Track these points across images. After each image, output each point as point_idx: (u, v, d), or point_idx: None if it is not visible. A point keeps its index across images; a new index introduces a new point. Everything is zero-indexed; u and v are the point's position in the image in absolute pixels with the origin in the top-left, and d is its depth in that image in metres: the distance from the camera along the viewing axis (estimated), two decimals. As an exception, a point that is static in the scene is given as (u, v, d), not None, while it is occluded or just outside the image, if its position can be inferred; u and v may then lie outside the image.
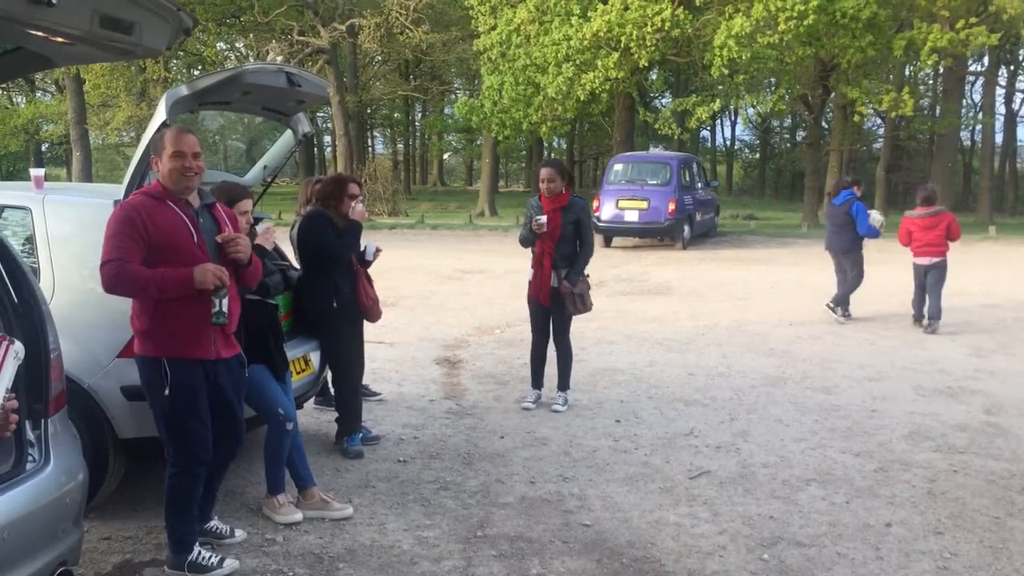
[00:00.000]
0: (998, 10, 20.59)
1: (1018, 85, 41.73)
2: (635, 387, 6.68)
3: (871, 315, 9.73)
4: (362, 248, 5.22)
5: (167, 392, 3.37)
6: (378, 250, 5.31)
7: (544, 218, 5.68)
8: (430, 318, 9.53)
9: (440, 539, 3.93)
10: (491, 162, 29.22)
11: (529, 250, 6.02)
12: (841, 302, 9.66)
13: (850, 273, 9.67)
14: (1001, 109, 39.88)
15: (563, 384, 6.08)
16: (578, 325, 9.11)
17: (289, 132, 5.11)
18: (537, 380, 6.09)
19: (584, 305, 5.88)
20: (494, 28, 21.67)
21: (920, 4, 21.44)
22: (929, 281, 9.13)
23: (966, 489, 4.55)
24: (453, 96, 40.76)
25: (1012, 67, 39.04)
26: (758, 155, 55.31)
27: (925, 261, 9.14)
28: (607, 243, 18.11)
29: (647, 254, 16.95)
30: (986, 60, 30.90)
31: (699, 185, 19.62)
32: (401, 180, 38.86)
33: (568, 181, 5.87)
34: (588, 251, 5.92)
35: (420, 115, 49.15)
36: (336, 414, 5.21)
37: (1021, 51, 34.66)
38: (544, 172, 5.84)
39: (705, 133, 53.44)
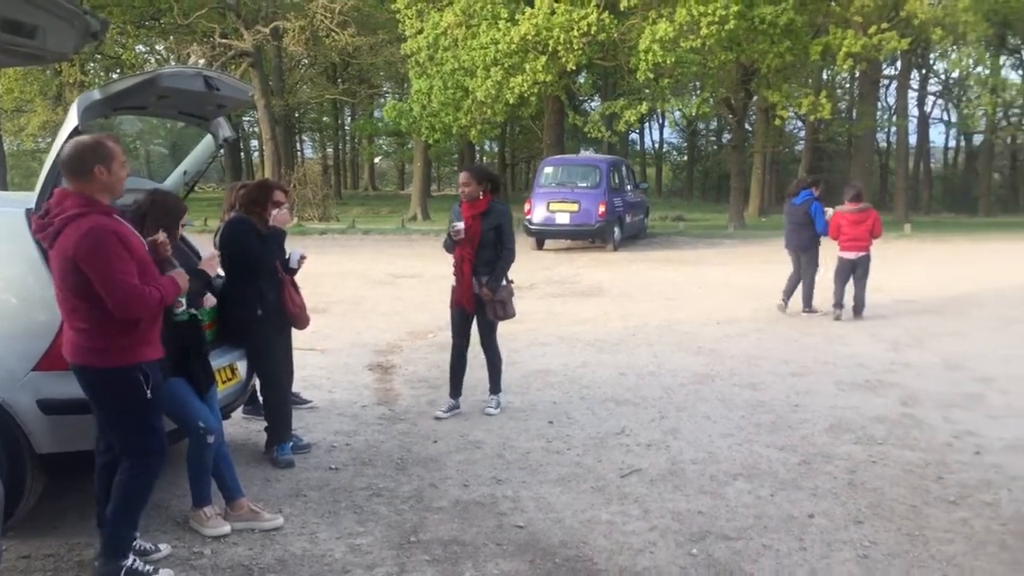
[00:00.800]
0: (909, 15, 21.40)
1: (930, 88, 43.40)
2: (568, 388, 6.74)
3: (796, 312, 10.00)
4: (287, 255, 5.15)
5: (149, 395, 3.42)
6: (303, 257, 5.25)
7: (461, 224, 5.66)
8: (362, 323, 9.45)
9: (373, 546, 3.90)
10: (422, 166, 29.14)
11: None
12: (809, 301, 9.98)
13: (806, 270, 9.99)
14: (914, 111, 41.43)
15: (494, 387, 6.09)
16: (510, 328, 9.15)
17: (209, 137, 5.00)
18: (455, 389, 6.02)
19: (505, 312, 5.87)
20: (421, 32, 21.64)
21: (835, 10, 22.18)
22: (856, 274, 9.55)
23: (884, 479, 4.71)
24: (382, 99, 40.55)
25: (924, 71, 40.54)
26: (686, 157, 56.35)
27: (852, 255, 9.52)
28: (539, 246, 18.23)
29: (578, 256, 17.10)
30: (899, 64, 32.03)
31: (628, 187, 19.90)
32: (332, 185, 38.48)
33: (488, 186, 5.80)
34: (509, 257, 5.87)
35: (349, 119, 48.72)
36: (265, 423, 5.12)
37: (932, 55, 36.02)
38: (461, 177, 5.85)
39: (634, 136, 54.16)
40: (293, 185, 25.79)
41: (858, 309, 9.65)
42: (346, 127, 50.07)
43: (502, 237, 5.81)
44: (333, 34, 26.59)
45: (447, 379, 6.13)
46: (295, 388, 5.86)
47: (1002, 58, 38.33)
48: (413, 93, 22.59)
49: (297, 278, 5.35)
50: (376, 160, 56.01)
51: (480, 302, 5.83)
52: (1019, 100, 36.43)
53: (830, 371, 7.22)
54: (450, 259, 5.98)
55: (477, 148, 39.73)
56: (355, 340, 8.53)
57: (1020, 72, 40.41)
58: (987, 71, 27.22)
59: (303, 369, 6.78)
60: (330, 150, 51.18)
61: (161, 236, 3.67)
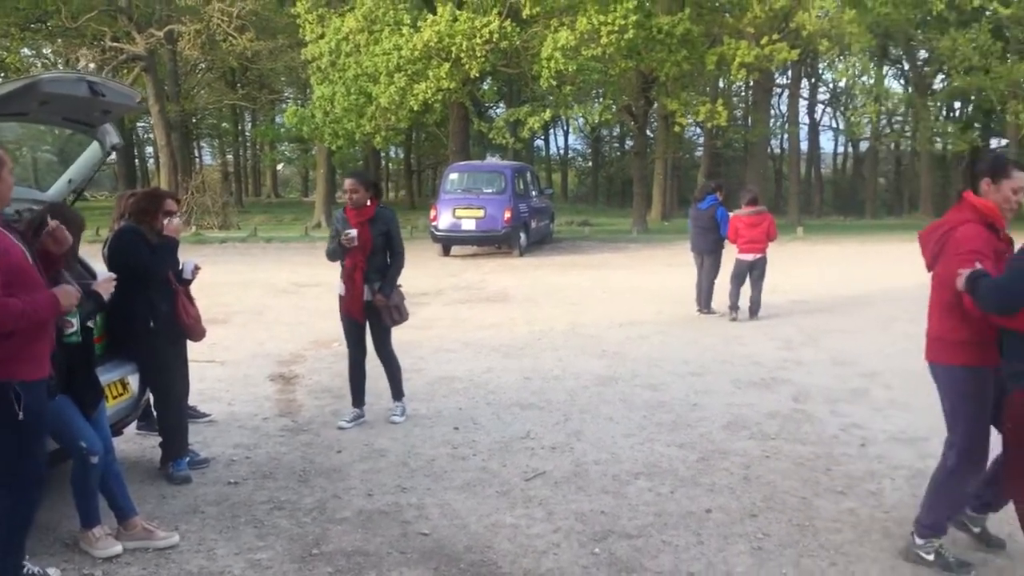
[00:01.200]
0: (798, 27, 22.29)
1: (819, 97, 45.32)
2: (473, 394, 6.75)
3: (694, 314, 10.28)
4: (180, 265, 5.01)
5: (22, 416, 3.19)
6: (197, 267, 5.12)
7: (354, 232, 5.61)
8: (264, 334, 9.25)
9: (274, 561, 3.82)
10: (326, 172, 28.74)
11: (338, 264, 5.91)
12: (707, 302, 10.27)
13: (708, 272, 10.30)
14: (805, 119, 43.17)
15: (397, 394, 6.05)
16: (415, 334, 9.14)
17: (96, 144, 4.82)
18: (358, 398, 5.97)
19: (401, 316, 5.89)
20: (322, 37, 21.34)
21: (728, 22, 22.94)
22: (753, 276, 9.90)
23: (777, 473, 4.89)
24: (284, 105, 39.76)
25: (813, 80, 42.34)
26: (590, 163, 57.24)
27: (750, 257, 9.87)
28: (445, 252, 18.20)
29: (485, 262, 17.16)
30: (790, 74, 33.34)
31: (534, 193, 20.08)
32: (232, 192, 37.53)
33: (374, 192, 5.82)
34: (400, 261, 5.88)
35: (250, 124, 47.61)
36: (160, 438, 4.96)
37: (820, 65, 37.61)
38: (347, 183, 5.78)
39: (539, 142, 54.69)
40: (191, 192, 25.05)
41: (754, 310, 10.00)
42: (247, 133, 48.88)
43: (391, 242, 5.83)
44: (230, 38, 25.94)
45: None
46: (192, 401, 5.71)
47: (885, 68, 40.36)
48: (315, 99, 22.24)
49: (195, 289, 5.22)
50: (278, 167, 54.90)
51: (372, 310, 5.79)
52: (901, 108, 38.43)
53: (727, 370, 7.45)
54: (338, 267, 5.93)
55: (382, 155, 39.41)
56: (256, 351, 8.34)
57: (902, 82, 42.64)
58: (871, 81, 28.56)
59: (201, 382, 6.59)
60: (230, 156, 49.92)
61: (52, 223, 3.50)
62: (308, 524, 4.22)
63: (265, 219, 29.16)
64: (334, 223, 5.87)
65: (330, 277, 13.52)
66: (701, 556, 3.84)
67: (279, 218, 30.61)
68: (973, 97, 36.75)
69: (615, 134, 53.64)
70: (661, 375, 7.30)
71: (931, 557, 3.68)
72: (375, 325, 5.88)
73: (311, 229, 25.18)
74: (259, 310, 10.86)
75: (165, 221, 4.81)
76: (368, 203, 5.74)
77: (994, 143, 42.56)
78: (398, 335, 8.71)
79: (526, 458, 5.20)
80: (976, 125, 39.71)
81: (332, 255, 5.88)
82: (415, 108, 20.72)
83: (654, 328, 9.54)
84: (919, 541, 3.73)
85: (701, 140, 41.76)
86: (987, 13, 25.97)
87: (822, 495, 4.55)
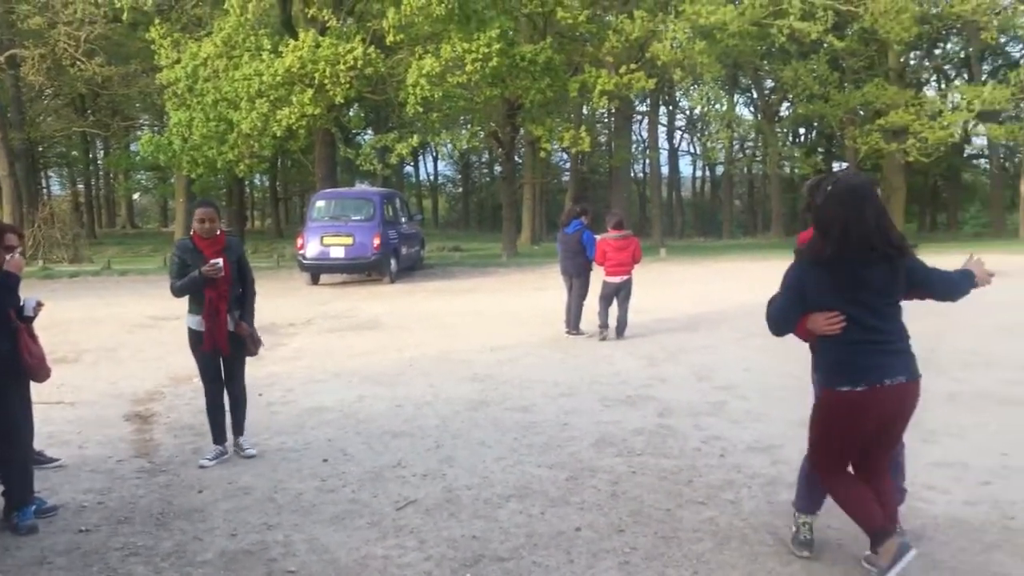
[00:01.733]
0: (653, 57, 23.26)
1: (677, 123, 47.30)
2: (343, 424, 6.63)
3: (563, 335, 10.47)
4: (21, 302, 4.72)
5: None
6: (39, 304, 4.82)
7: (220, 261, 5.48)
8: (118, 371, 8.79)
9: (129, 610, 3.62)
10: (185, 202, 27.73)
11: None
12: (576, 323, 10.44)
13: (577, 294, 10.50)
14: (665, 144, 44.94)
15: (242, 428, 5.87)
16: (284, 366, 8.92)
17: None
18: (219, 435, 5.79)
19: (259, 344, 5.84)
20: (178, 62, 20.68)
21: (589, 51, 23.68)
22: (620, 297, 10.19)
23: (643, 487, 5.02)
24: (139, 132, 38.18)
25: (671, 107, 44.17)
26: (461, 189, 57.61)
27: (617, 279, 10.15)
28: (314, 280, 17.85)
29: (355, 290, 16.93)
30: (648, 101, 34.66)
31: (403, 219, 20.00)
32: (84, 223, 35.62)
33: (220, 220, 5.79)
34: (254, 288, 5.86)
35: (102, 152, 45.44)
36: (2, 487, 4.62)
37: (677, 93, 39.31)
38: (203, 212, 5.63)
39: (409, 169, 54.68)
40: (37, 225, 23.64)
41: (621, 329, 10.29)
42: (99, 161, 46.61)
43: (243, 270, 5.75)
44: (78, 63, 24.75)
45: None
46: (38, 446, 5.36)
47: (736, 96, 42.60)
48: (172, 125, 21.49)
49: (43, 326, 4.92)
50: (134, 196, 52.54)
51: (235, 341, 5.65)
52: (751, 134, 40.62)
53: (596, 389, 7.62)
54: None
55: (246, 183, 38.35)
56: (109, 390, 7.92)
57: (751, 109, 45.11)
58: (723, 108, 30.06)
59: (49, 424, 6.21)
60: (81, 186, 47.37)
61: None
62: (166, 569, 4.03)
63: (120, 251, 27.83)
64: (178, 255, 5.64)
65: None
66: (571, 574, 3.89)
67: (136, 250, 29.30)
68: (815, 123, 39.32)
69: (484, 160, 54.29)
70: (532, 397, 7.38)
71: (793, 529, 4.08)
72: (235, 356, 5.74)
73: (169, 264, 24.17)
74: (112, 347, 10.31)
75: (7, 256, 4.53)
76: (219, 232, 5.64)
77: (835, 166, 45.54)
78: (267, 368, 8.50)
79: (397, 487, 5.14)
80: (819, 149, 42.45)
81: (184, 290, 5.62)
82: (278, 134, 20.36)
83: (525, 351, 9.65)
84: (795, 513, 4.09)
85: (568, 165, 42.77)
86: (824, 45, 27.85)
87: (685, 506, 4.70)
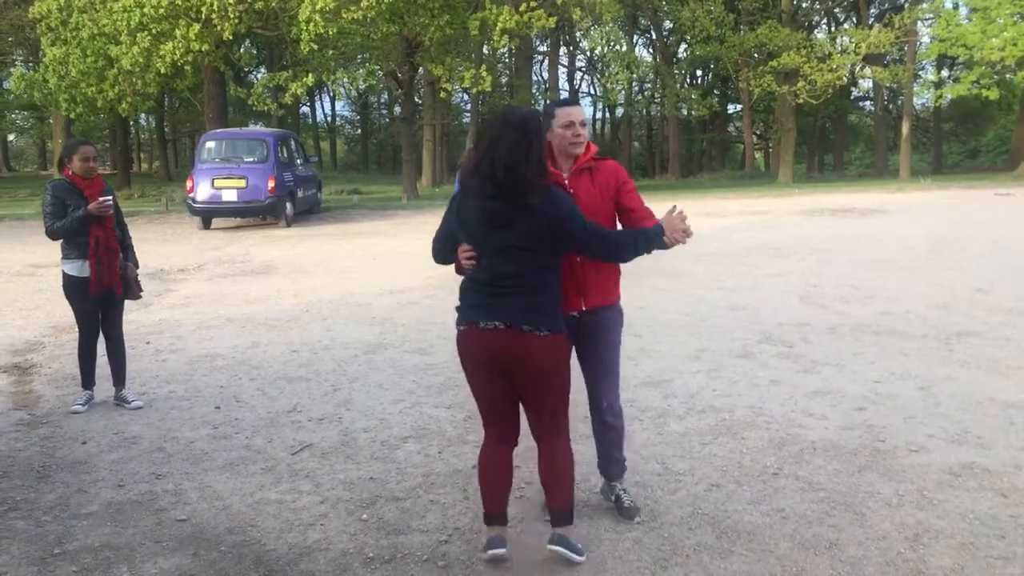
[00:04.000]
0: (553, -6, 23.06)
1: (577, 64, 47.23)
2: (236, 370, 6.48)
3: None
4: None
5: None
6: None
7: (111, 198, 5.29)
8: (-7, 322, 8.35)
9: (9, 566, 3.49)
10: (66, 143, 26.21)
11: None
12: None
13: None
14: (565, 85, 44.89)
15: (124, 379, 5.71)
16: (173, 313, 8.66)
17: None
18: (89, 379, 5.65)
19: (141, 288, 5.72)
20: (51, -9, 19.36)
21: (489, -13, 23.20)
22: None
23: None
24: (12, 69, 35.75)
25: (571, 48, 44.03)
26: (359, 131, 56.35)
27: None
28: (205, 225, 17.27)
29: (249, 234, 16.47)
30: (549, 41, 34.48)
31: (299, 161, 19.46)
32: (-48, 166, 33.34)
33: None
34: (128, 231, 5.77)
35: (-29, 91, 42.41)
36: None
37: (577, 33, 39.20)
38: (90, 150, 5.44)
39: (305, 109, 53.11)
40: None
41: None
42: (-32, 100, 43.52)
43: (119, 212, 5.62)
44: (-61, -9, 22.89)
45: (99, 373, 5.66)
46: (-97, 402, 5.06)
47: (635, 38, 42.80)
48: (47, 62, 20.19)
49: None
50: (9, 138, 49.41)
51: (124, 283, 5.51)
52: (650, 76, 40.97)
53: (494, 330, 7.65)
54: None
55: (131, 123, 36.54)
56: (-15, 341, 7.52)
57: (650, 51, 45.43)
58: (623, 49, 30.20)
59: (-85, 380, 5.86)
60: (-51, 127, 44.23)
61: None
62: (49, 523, 3.88)
63: (-5, 195, 26.22)
64: (55, 195, 5.37)
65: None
66: (467, 511, 3.94)
67: (12, 193, 27.67)
68: (712, 65, 39.92)
69: (383, 101, 53.18)
70: (431, 339, 7.36)
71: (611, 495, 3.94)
72: (116, 302, 5.58)
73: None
74: (-12, 296, 9.78)
75: None
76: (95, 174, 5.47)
77: (731, 108, 46.52)
78: (156, 315, 8.24)
79: (293, 432, 5.08)
80: (715, 91, 43.20)
81: (67, 231, 5.36)
82: (163, 72, 19.39)
83: (424, 293, 9.60)
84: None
85: (468, 106, 42.32)
86: (720, -14, 28.15)
87: (579, 440, 4.74)
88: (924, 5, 30.38)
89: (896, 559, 3.40)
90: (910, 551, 3.46)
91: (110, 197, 5.34)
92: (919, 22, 32.26)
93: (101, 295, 5.45)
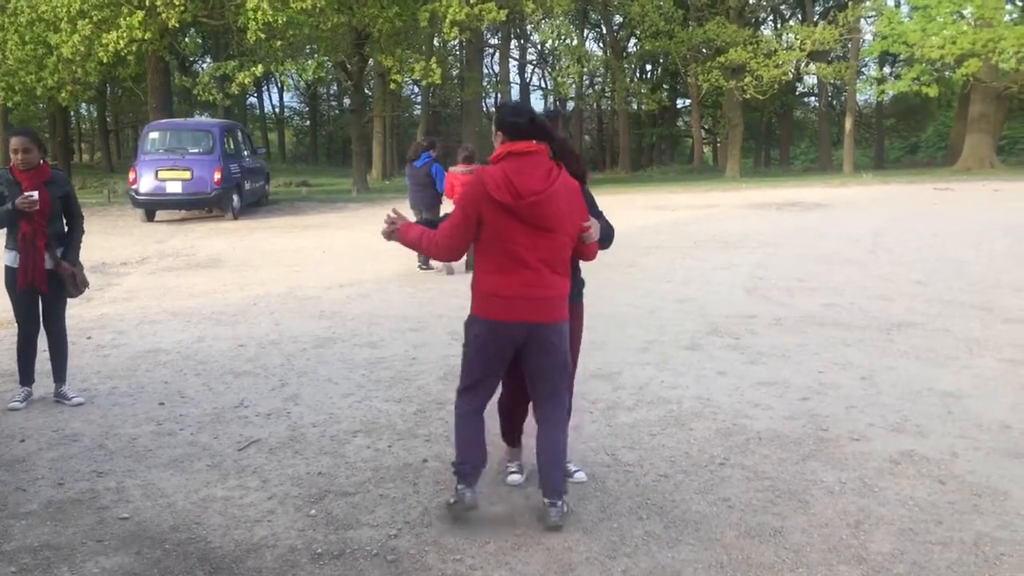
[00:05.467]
0: (504, -12, 23.01)
1: (528, 57, 47.25)
2: (181, 365, 6.37)
3: (414, 270, 10.41)
4: None
5: None
6: None
7: (36, 194, 5.11)
8: (-74, 317, 8.06)
9: (-59, 570, 3.38)
10: (2, 132, 25.43)
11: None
12: (427, 258, 10.37)
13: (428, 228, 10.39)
14: (516, 78, 44.89)
15: (64, 376, 5.57)
16: (115, 307, 8.46)
17: None
18: (28, 376, 5.51)
19: (84, 284, 5.53)
20: (-14, -25, 18.75)
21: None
22: None
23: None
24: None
25: (522, 41, 44.03)
26: (308, 122, 55.66)
27: None
28: (149, 217, 16.93)
29: (195, 227, 16.17)
30: (500, 34, 34.42)
31: (246, 153, 19.17)
32: None
33: (44, 152, 5.40)
34: (81, 225, 5.56)
35: (-99, 77, 40.91)
36: None
37: (528, 26, 39.22)
38: (17, 141, 5.22)
39: (253, 100, 52.31)
40: None
41: (470, 263, 10.30)
42: (-102, 87, 41.98)
43: (71, 206, 5.45)
44: None
45: (36, 368, 5.51)
46: None
47: (586, 32, 42.96)
48: (-18, 48, 19.55)
49: None
50: (-57, 126, 47.76)
51: (54, 279, 5.32)
52: (600, 70, 41.17)
53: (444, 323, 7.64)
54: None
55: (71, 113, 35.58)
56: (-83, 337, 7.27)
57: (600, 45, 45.64)
58: (574, 43, 30.29)
59: None
60: None
61: None
62: (-15, 524, 3.78)
63: (-73, 186, 25.34)
64: None
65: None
66: (417, 504, 3.92)
67: (-54, 185, 26.75)
68: (661, 60, 40.29)
69: (333, 92, 52.59)
70: (381, 332, 7.32)
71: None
72: (55, 297, 5.42)
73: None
74: (-80, 290, 9.44)
75: None
76: (40, 163, 5.24)
77: (680, 103, 47.03)
78: (97, 309, 8.06)
79: (240, 427, 5.01)
80: (664, 86, 43.60)
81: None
82: (105, 60, 18.93)
83: (374, 286, 9.53)
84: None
85: (419, 99, 42.07)
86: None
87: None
88: (867, 3, 31.00)
89: (839, 545, 3.48)
90: (852, 537, 3.54)
91: (35, 193, 5.12)
92: (862, 20, 32.95)
93: (27, 289, 5.31)
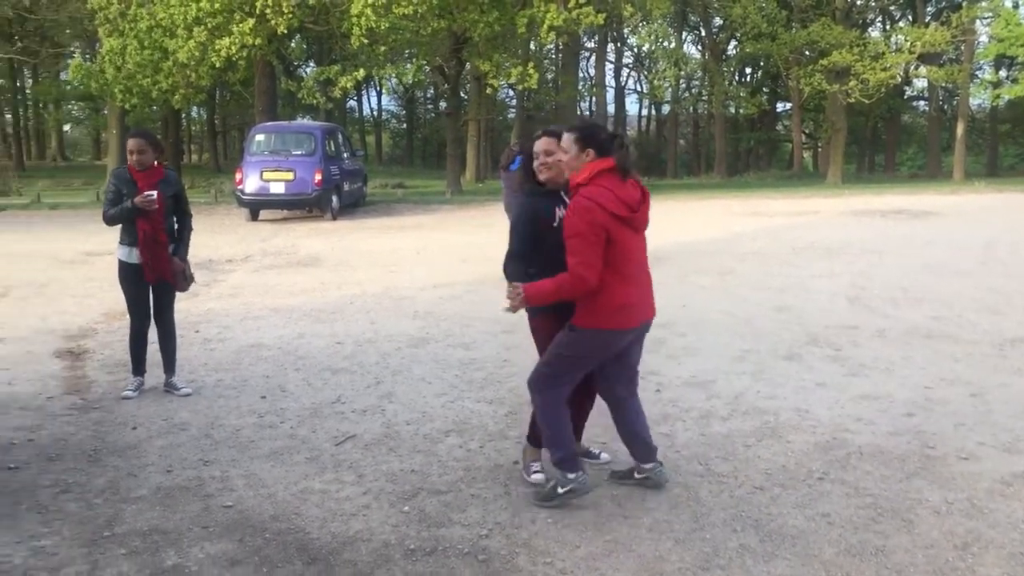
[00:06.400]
0: (603, -8, 22.93)
1: (624, 61, 46.97)
2: (282, 361, 6.57)
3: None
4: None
5: None
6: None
7: (155, 193, 5.36)
8: (48, 308, 8.55)
9: (60, 546, 3.58)
10: (119, 134, 26.76)
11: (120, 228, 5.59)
12: None
13: None
14: (612, 82, 44.68)
15: (174, 366, 5.81)
16: (221, 303, 8.79)
17: None
18: (140, 366, 5.77)
19: (191, 279, 5.79)
20: (110, -15, 19.76)
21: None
22: None
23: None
24: (70, 60, 36.59)
25: (619, 44, 43.79)
26: (405, 125, 56.64)
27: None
28: (253, 217, 17.51)
29: (296, 226, 16.66)
30: (597, 38, 34.32)
31: (345, 155, 19.64)
32: (12, 155, 34.31)
33: (160, 152, 5.63)
34: (191, 223, 5.82)
35: (31, 81, 43.54)
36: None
37: (625, 30, 38.98)
38: (133, 143, 5.49)
39: (352, 103, 53.54)
40: (-39, 156, 22.65)
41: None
42: (27, 91, 44.63)
43: (181, 204, 5.70)
44: (2, -16, 23.49)
45: (149, 360, 5.79)
46: (-37, 384, 5.22)
47: (684, 34, 42.42)
48: (104, 53, 20.62)
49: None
50: (65, 128, 50.58)
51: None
52: (698, 73, 40.58)
53: (537, 326, 7.64)
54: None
55: (183, 115, 37.19)
56: (40, 326, 7.71)
57: (699, 48, 45.00)
58: (671, 46, 29.94)
59: (-26, 362, 6.03)
60: (9, 116, 45.36)
61: None
62: (99, 505, 3.98)
63: (51, 184, 26.89)
64: (113, 184, 5.51)
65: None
66: (508, 506, 3.95)
67: (67, 183, 28.33)
68: (761, 63, 39.40)
69: (429, 95, 53.38)
70: (473, 334, 7.39)
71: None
72: (167, 290, 5.68)
73: (103, 194, 23.46)
74: (43, 283, 10.02)
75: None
76: (155, 163, 5.51)
77: (780, 107, 45.90)
78: (204, 304, 8.39)
79: (336, 423, 5.14)
80: (764, 89, 42.64)
81: (115, 219, 5.50)
82: (217, 65, 19.66)
83: (467, 288, 9.63)
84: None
85: (513, 102, 42.30)
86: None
87: (618, 440, 4.77)
88: (983, 4, 29.62)
89: (944, 567, 3.34)
90: (959, 560, 3.39)
91: (154, 192, 5.35)
92: (977, 21, 31.49)
93: (156, 284, 5.57)
